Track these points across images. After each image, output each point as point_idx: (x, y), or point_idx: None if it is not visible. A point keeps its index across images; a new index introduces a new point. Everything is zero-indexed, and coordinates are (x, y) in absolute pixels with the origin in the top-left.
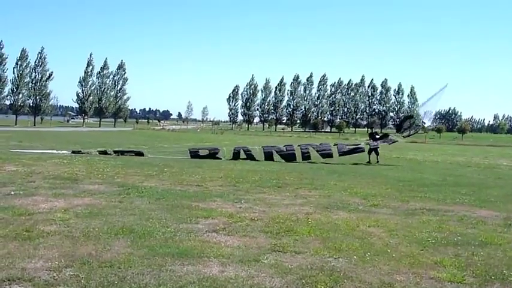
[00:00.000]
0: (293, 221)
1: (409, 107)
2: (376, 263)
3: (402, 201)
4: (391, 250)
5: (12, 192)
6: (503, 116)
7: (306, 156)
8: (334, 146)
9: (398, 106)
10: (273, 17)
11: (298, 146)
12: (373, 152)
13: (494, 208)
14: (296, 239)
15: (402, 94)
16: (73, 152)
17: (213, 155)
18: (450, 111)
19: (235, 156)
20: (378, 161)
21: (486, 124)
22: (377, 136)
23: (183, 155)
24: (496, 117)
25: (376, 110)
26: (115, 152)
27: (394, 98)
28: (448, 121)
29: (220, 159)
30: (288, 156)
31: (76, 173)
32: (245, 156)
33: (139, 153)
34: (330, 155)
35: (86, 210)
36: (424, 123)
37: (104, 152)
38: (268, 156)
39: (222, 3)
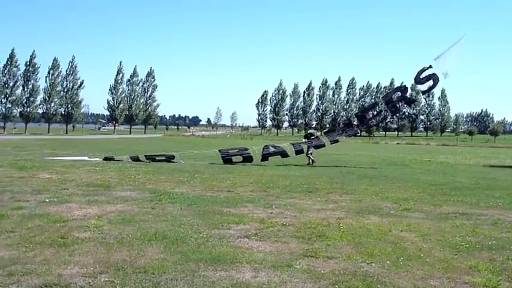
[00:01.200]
0: (325, 226)
1: (439, 110)
2: (410, 268)
3: (434, 205)
4: (425, 255)
5: (47, 200)
6: None
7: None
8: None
9: (429, 109)
10: (300, 21)
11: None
12: (310, 153)
13: None
14: (328, 244)
15: (433, 96)
16: (105, 158)
17: (246, 158)
18: (482, 113)
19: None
20: (312, 162)
21: None
22: (312, 137)
23: (213, 159)
24: None
25: (407, 113)
26: (146, 157)
27: (424, 100)
28: (480, 123)
29: (251, 160)
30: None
31: (108, 180)
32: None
33: (171, 157)
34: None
35: (119, 217)
36: (446, 74)
37: (136, 158)
38: (227, 160)
39: (249, 8)
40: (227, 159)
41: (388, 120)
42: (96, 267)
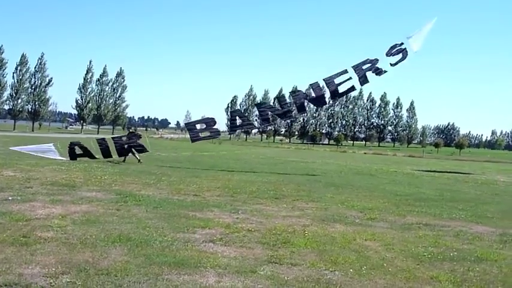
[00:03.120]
0: (290, 232)
1: (407, 121)
2: (372, 277)
3: (399, 215)
4: (387, 264)
5: (10, 198)
6: (501, 132)
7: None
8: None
9: (397, 120)
10: (271, 27)
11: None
12: (132, 151)
13: (491, 224)
14: (293, 251)
15: (401, 108)
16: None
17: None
18: (449, 126)
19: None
20: (139, 160)
21: (484, 140)
22: (133, 136)
23: (181, 163)
24: (493, 133)
25: (375, 124)
26: (113, 139)
27: (392, 112)
28: (446, 136)
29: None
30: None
31: (74, 180)
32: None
33: (142, 149)
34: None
35: (83, 217)
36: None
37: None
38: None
39: (220, 12)
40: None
41: (355, 89)
42: (58, 268)
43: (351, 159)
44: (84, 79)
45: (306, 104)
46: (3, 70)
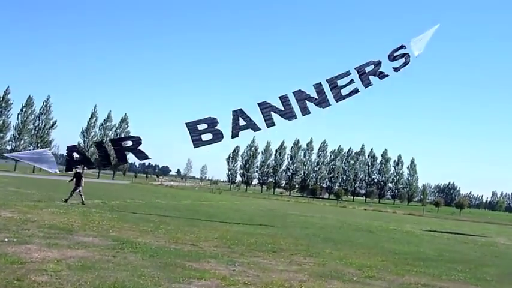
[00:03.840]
0: (286, 287)
1: (408, 179)
2: None
3: (397, 274)
4: None
5: (6, 239)
6: (502, 193)
7: None
8: None
9: (397, 177)
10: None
11: None
12: (78, 191)
13: (490, 287)
14: None
15: (402, 165)
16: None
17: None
18: (449, 186)
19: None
20: (82, 202)
21: (484, 201)
22: (77, 173)
23: (180, 212)
24: (494, 194)
25: (375, 180)
26: (111, 140)
27: (393, 169)
28: (447, 195)
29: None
30: None
31: (71, 224)
32: None
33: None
34: None
35: (78, 263)
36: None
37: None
38: None
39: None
40: None
41: (359, 92)
42: None
43: (351, 214)
44: (88, 123)
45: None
46: (8, 111)
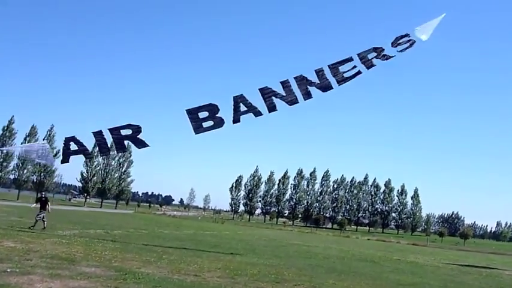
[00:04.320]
0: None
1: (411, 209)
2: None
3: None
4: None
5: (9, 270)
6: (506, 223)
7: None
8: None
9: (401, 207)
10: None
11: None
12: (42, 217)
13: None
14: None
15: (405, 195)
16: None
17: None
18: (453, 215)
19: None
20: (44, 227)
21: (489, 231)
22: (43, 199)
23: (183, 242)
24: (498, 224)
25: (379, 210)
26: (110, 129)
27: (397, 198)
28: (451, 225)
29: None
30: None
31: (74, 254)
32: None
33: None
34: None
35: None
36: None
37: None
38: None
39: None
40: None
41: (361, 73)
42: None
43: (354, 244)
44: (91, 152)
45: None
46: (12, 140)
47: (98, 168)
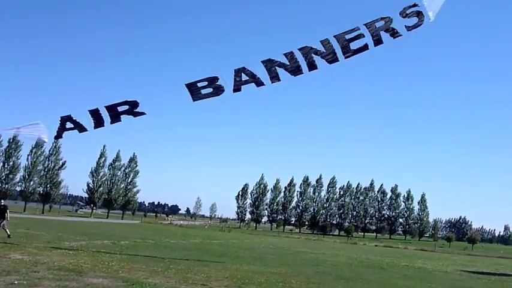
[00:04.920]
0: None
1: (419, 214)
2: None
3: None
4: None
5: (16, 282)
6: None
7: None
8: None
9: (408, 213)
10: (283, 119)
11: None
12: (2, 225)
13: None
14: None
15: (412, 201)
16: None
17: None
18: (460, 220)
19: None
20: (8, 236)
21: (496, 235)
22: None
23: (190, 251)
24: (506, 228)
25: (386, 216)
26: (107, 107)
27: (403, 204)
28: (458, 230)
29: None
30: None
31: (81, 265)
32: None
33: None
34: None
35: None
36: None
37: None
38: None
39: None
40: None
41: (368, 49)
42: None
43: (362, 251)
44: (97, 163)
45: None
46: (18, 152)
47: (104, 178)
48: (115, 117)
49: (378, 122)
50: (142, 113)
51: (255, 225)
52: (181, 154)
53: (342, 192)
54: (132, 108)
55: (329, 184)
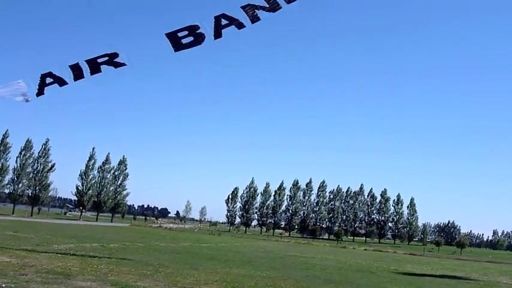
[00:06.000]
0: None
1: (408, 218)
2: None
3: None
4: None
5: (4, 285)
6: (503, 232)
7: None
8: None
9: (397, 217)
10: (273, 122)
11: None
12: None
13: None
14: None
15: (401, 205)
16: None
17: None
18: (449, 224)
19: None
20: None
21: (485, 239)
22: None
23: (179, 254)
24: (495, 232)
25: (375, 220)
26: (87, 61)
27: (393, 208)
28: (447, 234)
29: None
30: None
31: (69, 268)
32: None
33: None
34: None
35: None
36: None
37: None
38: None
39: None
40: None
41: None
42: None
43: (351, 255)
44: (86, 166)
45: None
46: (7, 154)
47: (94, 181)
48: (95, 68)
49: (368, 127)
50: (123, 64)
51: (244, 228)
52: (171, 157)
53: (331, 196)
54: (112, 59)
55: (319, 188)
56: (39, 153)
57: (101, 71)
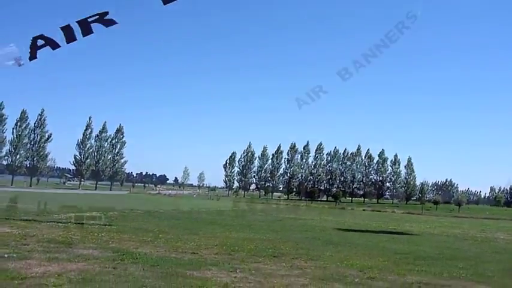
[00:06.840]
0: None
1: (405, 178)
2: None
3: (399, 274)
4: None
5: (6, 255)
6: (500, 188)
7: None
8: None
9: (395, 177)
10: (268, 86)
11: None
12: None
13: (492, 283)
14: None
15: (399, 165)
16: None
17: None
18: (447, 183)
19: None
20: None
21: (483, 196)
22: None
23: (179, 220)
24: (492, 189)
25: (373, 180)
26: (78, 21)
27: (390, 168)
28: (445, 192)
29: None
30: None
31: (70, 237)
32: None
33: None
34: None
35: (79, 276)
36: None
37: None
38: None
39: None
40: None
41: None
42: None
43: (350, 216)
44: (83, 135)
45: None
46: (3, 126)
47: (91, 150)
48: (86, 29)
49: (364, 87)
50: (114, 22)
51: (243, 193)
52: (167, 123)
53: (329, 158)
54: (102, 17)
55: (316, 150)
56: (35, 123)
57: (92, 32)
